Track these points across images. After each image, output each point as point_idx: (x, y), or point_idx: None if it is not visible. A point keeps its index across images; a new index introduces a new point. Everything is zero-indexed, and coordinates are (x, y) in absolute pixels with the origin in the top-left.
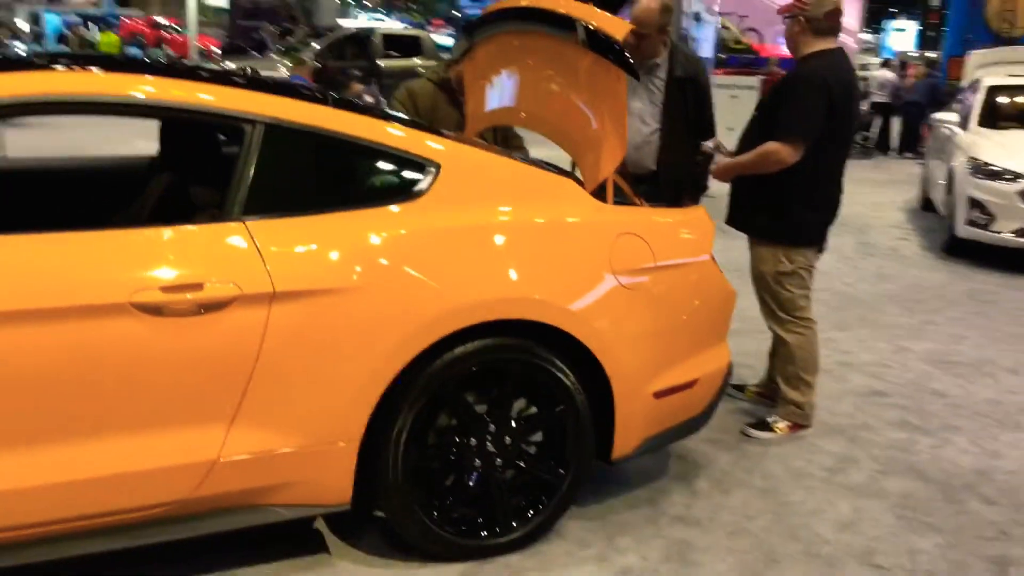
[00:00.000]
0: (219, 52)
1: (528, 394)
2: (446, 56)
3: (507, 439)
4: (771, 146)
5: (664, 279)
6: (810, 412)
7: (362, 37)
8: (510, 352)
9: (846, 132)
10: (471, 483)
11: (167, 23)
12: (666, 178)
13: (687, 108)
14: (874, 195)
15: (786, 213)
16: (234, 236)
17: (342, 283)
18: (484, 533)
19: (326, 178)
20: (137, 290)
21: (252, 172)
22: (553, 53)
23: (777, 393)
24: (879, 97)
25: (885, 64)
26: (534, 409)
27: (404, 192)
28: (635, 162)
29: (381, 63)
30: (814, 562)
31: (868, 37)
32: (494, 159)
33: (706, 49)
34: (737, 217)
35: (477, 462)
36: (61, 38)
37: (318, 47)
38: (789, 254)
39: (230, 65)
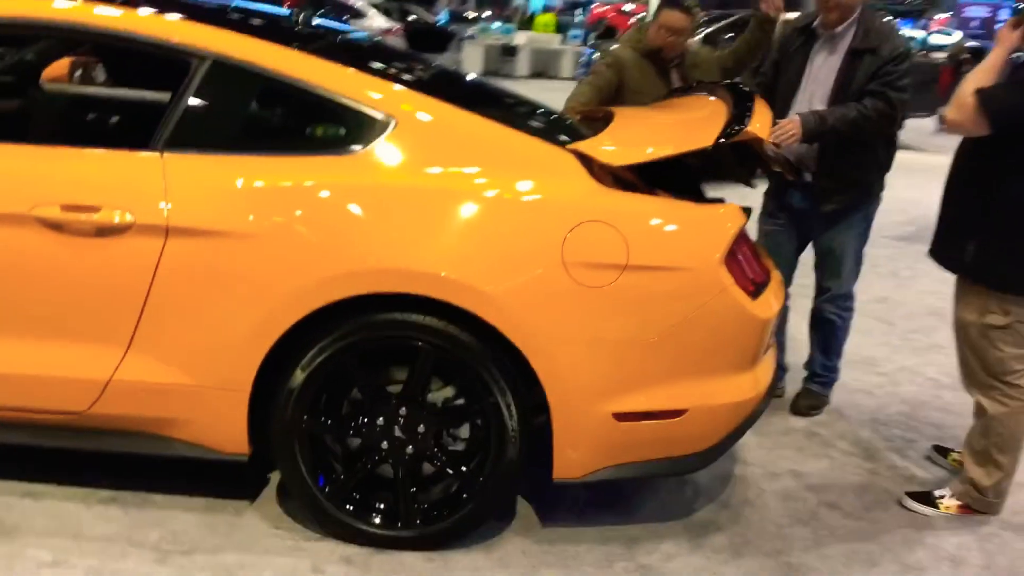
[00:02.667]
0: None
1: (457, 385)
2: None
3: (420, 427)
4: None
5: (640, 282)
6: (994, 500)
7: None
8: (414, 332)
9: None
10: (369, 464)
11: (632, 10)
12: (826, 180)
13: (860, 87)
14: None
15: (1003, 246)
16: (146, 166)
17: (238, 227)
18: (378, 521)
19: (263, 121)
20: (38, 204)
21: (184, 106)
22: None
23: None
24: None
25: None
26: (461, 402)
27: (345, 144)
28: (800, 157)
29: None
30: None
31: None
32: (468, 120)
33: None
34: (939, 246)
35: (384, 444)
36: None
37: None
38: (1004, 303)
39: None
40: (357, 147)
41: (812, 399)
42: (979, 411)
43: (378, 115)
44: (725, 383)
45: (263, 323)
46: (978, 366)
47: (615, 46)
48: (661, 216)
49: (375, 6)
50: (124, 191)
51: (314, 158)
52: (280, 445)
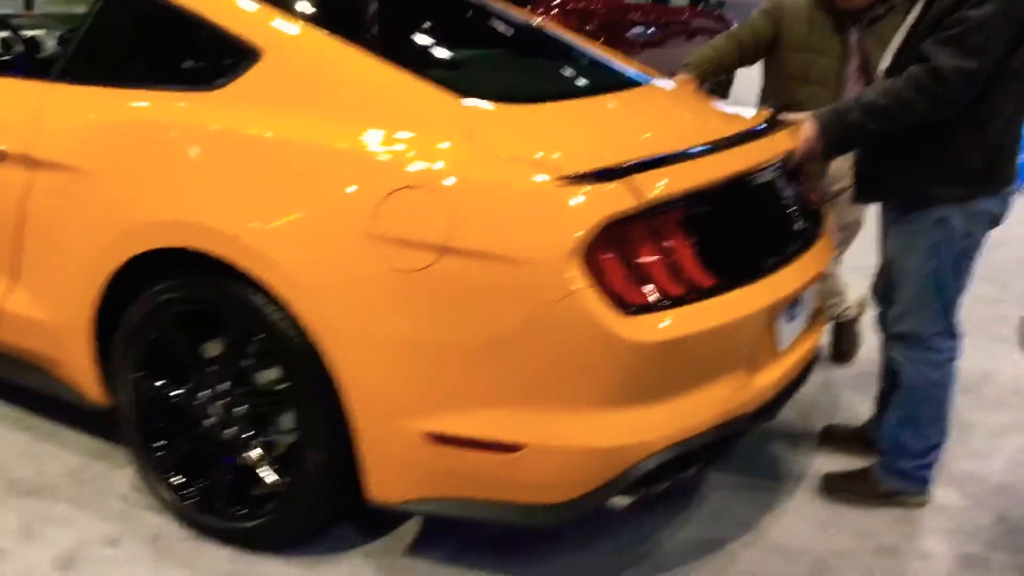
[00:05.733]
0: None
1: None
2: None
3: (235, 410)
4: None
5: (461, 271)
6: None
7: None
8: (217, 299)
9: None
10: (190, 439)
11: None
12: (861, 177)
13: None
14: None
15: None
16: (32, 97)
17: (82, 163)
18: (190, 500)
19: (146, 52)
20: None
21: (80, 35)
22: None
23: None
24: None
25: None
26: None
27: (206, 78)
28: None
29: None
30: None
31: None
32: (343, 56)
33: None
34: None
35: (207, 421)
36: None
37: None
38: None
39: None
40: (220, 82)
41: (858, 483)
42: None
43: (246, 46)
44: (581, 420)
45: (90, 266)
46: None
47: None
48: (509, 189)
49: None
50: (6, 121)
51: (178, 93)
52: (119, 400)
